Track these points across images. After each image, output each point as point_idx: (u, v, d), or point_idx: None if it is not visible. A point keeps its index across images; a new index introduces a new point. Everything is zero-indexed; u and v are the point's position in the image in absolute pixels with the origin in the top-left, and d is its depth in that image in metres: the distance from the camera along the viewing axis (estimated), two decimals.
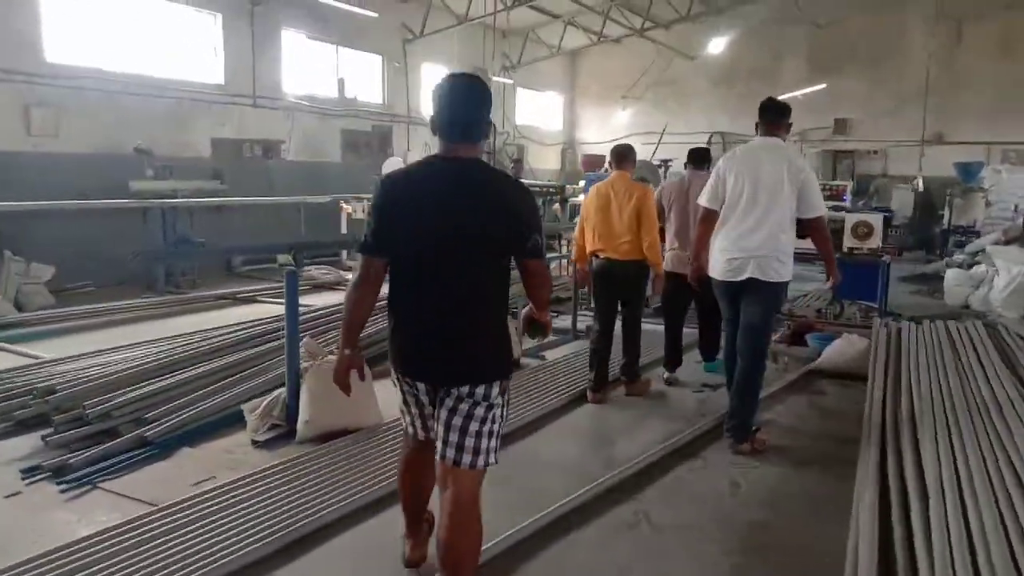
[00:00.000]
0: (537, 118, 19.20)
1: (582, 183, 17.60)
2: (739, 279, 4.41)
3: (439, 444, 2.59)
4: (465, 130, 2.58)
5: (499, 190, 2.60)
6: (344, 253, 11.95)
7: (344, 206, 11.80)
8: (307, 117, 12.69)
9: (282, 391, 4.63)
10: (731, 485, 4.04)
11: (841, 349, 6.31)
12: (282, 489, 3.64)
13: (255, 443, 4.39)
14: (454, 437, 2.54)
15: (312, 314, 6.46)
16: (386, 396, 4.80)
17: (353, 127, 13.60)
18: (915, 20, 16.60)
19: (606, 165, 7.26)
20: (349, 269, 11.32)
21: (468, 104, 2.60)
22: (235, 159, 11.35)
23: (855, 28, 17.11)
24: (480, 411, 2.56)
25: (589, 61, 20.30)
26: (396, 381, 2.76)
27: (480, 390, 2.55)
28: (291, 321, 4.61)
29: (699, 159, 6.22)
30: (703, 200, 4.64)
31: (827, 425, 5.07)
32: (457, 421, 2.55)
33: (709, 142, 18.75)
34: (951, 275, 9.92)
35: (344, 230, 11.88)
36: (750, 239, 4.37)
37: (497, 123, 16.10)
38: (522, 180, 10.40)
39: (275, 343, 5.71)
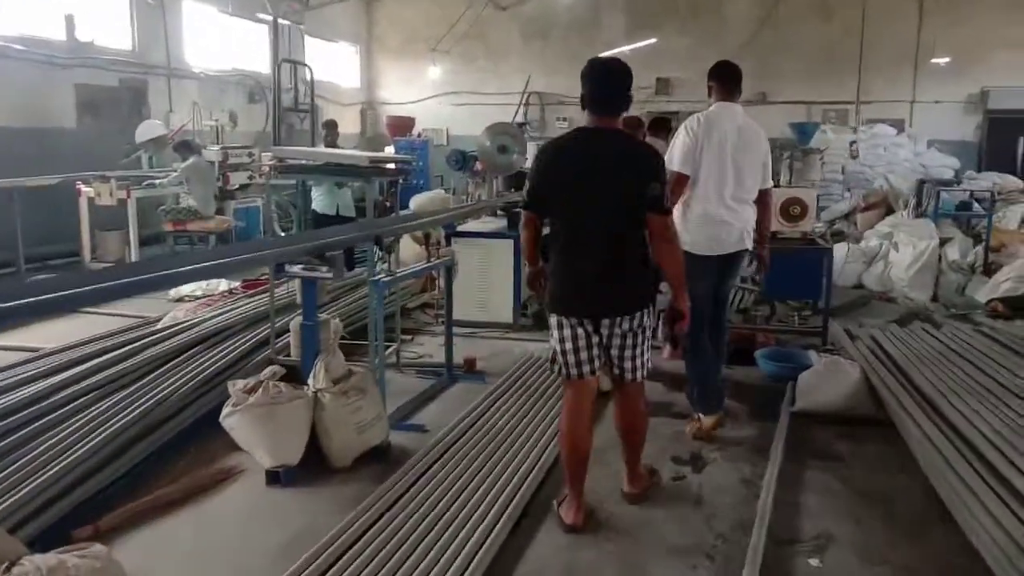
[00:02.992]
0: (330, 73, 16.32)
1: (389, 149, 15.27)
2: (728, 251, 4.21)
3: (615, 368, 3.22)
4: (606, 105, 3.12)
5: (631, 153, 3.10)
6: (87, 253, 8.75)
7: (84, 189, 8.59)
8: (22, 67, 9.16)
9: None
10: None
11: (826, 379, 4.60)
12: None
13: None
14: (628, 363, 3.19)
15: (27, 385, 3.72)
16: None
17: (93, 81, 10.18)
18: None
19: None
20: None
21: (608, 83, 3.12)
22: None
23: None
24: (640, 337, 3.18)
25: (386, 8, 17.65)
26: (559, 325, 3.18)
27: (636, 318, 3.14)
28: None
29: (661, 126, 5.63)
30: (677, 165, 4.10)
31: (900, 530, 3.27)
32: (627, 352, 3.17)
33: (525, 103, 17.03)
34: (841, 251, 8.74)
35: (85, 223, 8.67)
36: (738, 208, 4.19)
37: (285, 77, 13.19)
38: (337, 149, 7.72)
39: None
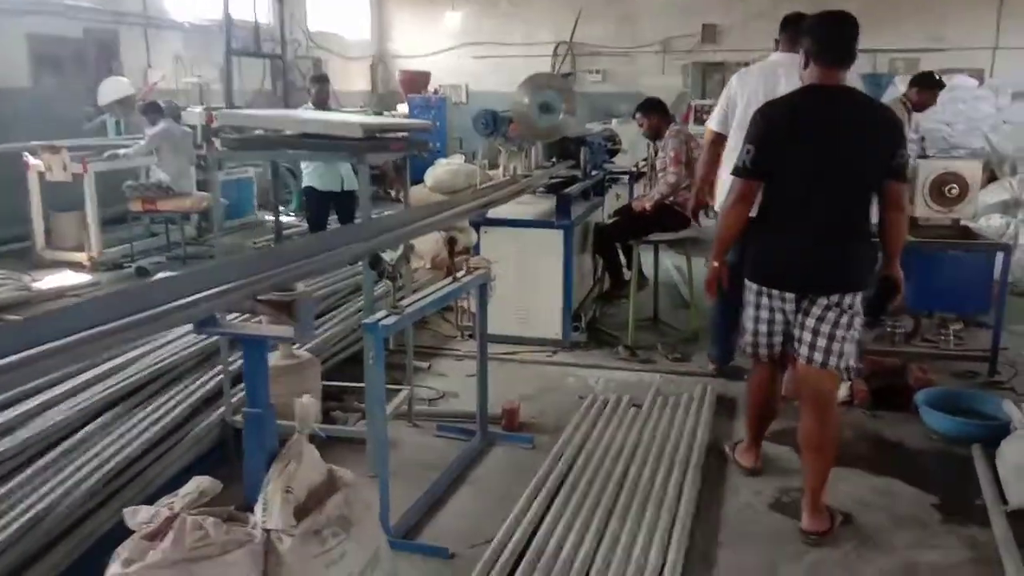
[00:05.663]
0: (336, 24, 14.61)
1: (402, 107, 13.58)
2: None
3: (803, 348, 2.84)
4: (842, 57, 2.79)
5: (877, 116, 2.83)
6: (40, 238, 7.29)
7: (32, 161, 7.09)
8: None
9: None
10: None
11: None
12: None
13: None
14: (821, 342, 2.80)
15: None
16: None
17: (50, 31, 8.60)
18: None
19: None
20: (47, 266, 6.86)
21: (842, 36, 2.80)
22: None
23: None
24: (844, 319, 2.79)
25: None
26: (757, 296, 2.94)
27: (847, 299, 2.78)
28: None
29: None
30: (713, 123, 4.12)
31: None
32: (824, 328, 2.79)
33: (555, 54, 15.29)
34: None
35: (37, 202, 7.20)
36: None
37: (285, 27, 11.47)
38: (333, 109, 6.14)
39: None
